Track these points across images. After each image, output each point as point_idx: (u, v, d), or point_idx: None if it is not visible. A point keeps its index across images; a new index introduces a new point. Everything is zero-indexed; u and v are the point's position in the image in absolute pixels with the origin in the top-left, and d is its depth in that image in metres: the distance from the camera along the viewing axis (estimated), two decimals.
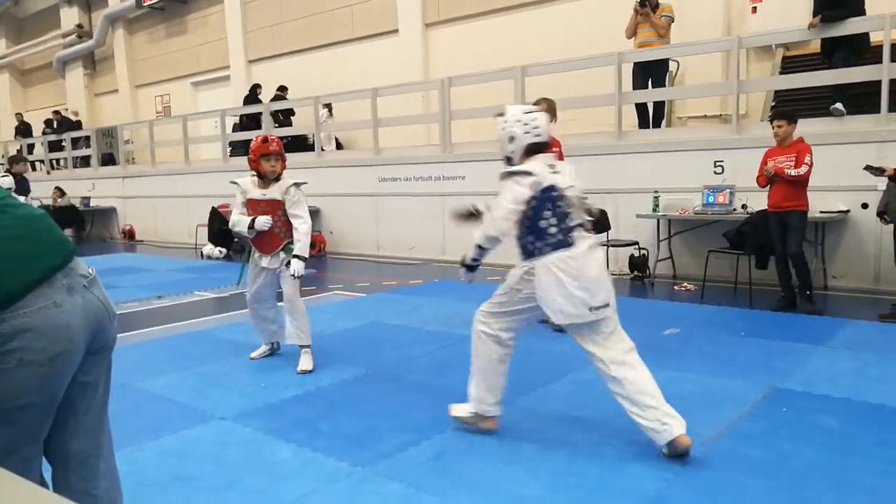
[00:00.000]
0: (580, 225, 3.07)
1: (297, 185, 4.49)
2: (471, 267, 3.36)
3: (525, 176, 3.02)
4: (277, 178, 4.50)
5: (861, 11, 6.67)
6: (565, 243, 2.99)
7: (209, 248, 11.02)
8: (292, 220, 4.49)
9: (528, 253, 3.06)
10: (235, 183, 4.61)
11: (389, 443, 3.21)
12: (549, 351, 4.71)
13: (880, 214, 5.50)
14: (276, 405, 3.82)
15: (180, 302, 7.20)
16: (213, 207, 11.43)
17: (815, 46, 7.44)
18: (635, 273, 7.56)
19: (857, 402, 3.58)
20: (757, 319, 5.51)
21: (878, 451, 2.98)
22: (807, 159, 5.57)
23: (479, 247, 3.22)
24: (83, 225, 15.13)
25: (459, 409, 3.35)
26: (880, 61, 6.37)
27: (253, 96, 13.16)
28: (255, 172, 4.49)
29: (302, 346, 4.58)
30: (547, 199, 3.01)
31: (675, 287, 7.03)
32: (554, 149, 4.13)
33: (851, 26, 6.65)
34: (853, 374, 4.03)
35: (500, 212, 3.06)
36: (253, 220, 4.43)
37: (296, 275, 4.39)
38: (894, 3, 6.63)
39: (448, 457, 3.06)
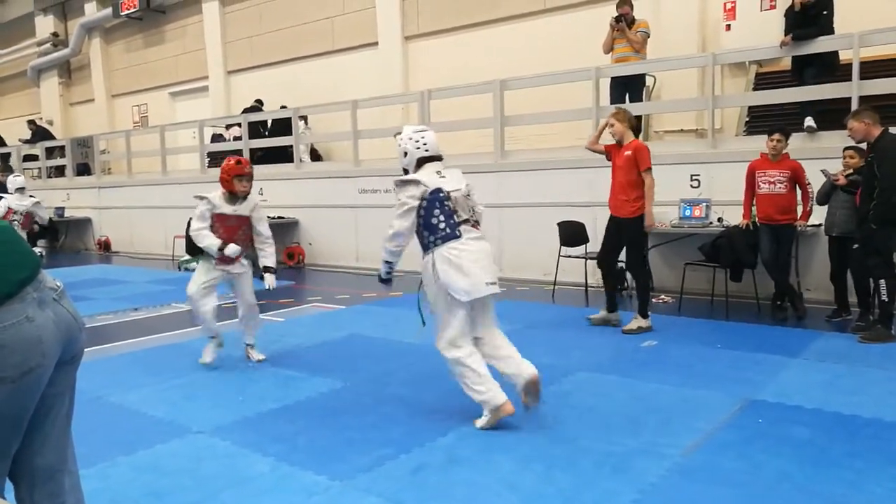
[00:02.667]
0: (466, 220, 3.62)
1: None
2: (386, 280, 3.95)
3: (413, 184, 3.60)
4: (246, 196, 4.79)
5: (830, 30, 6.84)
6: (453, 236, 3.54)
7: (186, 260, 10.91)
8: (259, 235, 4.85)
9: (425, 247, 3.62)
10: (204, 197, 4.78)
11: (368, 456, 3.20)
12: None
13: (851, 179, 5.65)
14: (254, 418, 3.79)
15: (156, 314, 7.12)
16: (190, 219, 11.33)
17: (788, 63, 7.60)
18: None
19: (829, 413, 3.64)
20: (733, 331, 5.58)
21: (849, 461, 3.03)
22: (807, 179, 5.84)
23: (386, 262, 3.85)
24: (57, 236, 14.90)
25: (481, 422, 3.53)
26: (850, 79, 6.53)
27: (253, 111, 12.85)
28: (225, 190, 4.74)
29: (249, 344, 5.02)
30: (435, 200, 3.56)
31: (653, 299, 7.09)
32: (626, 152, 5.48)
33: (821, 44, 6.81)
34: (825, 386, 4.10)
35: (391, 230, 3.68)
36: (224, 245, 4.68)
37: (270, 288, 4.74)
38: (862, 23, 6.81)
39: (426, 470, 3.05)
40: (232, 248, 4.69)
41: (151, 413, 3.91)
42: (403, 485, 2.91)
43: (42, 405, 1.82)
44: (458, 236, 3.55)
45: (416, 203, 3.57)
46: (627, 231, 5.62)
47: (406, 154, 3.74)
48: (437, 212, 3.55)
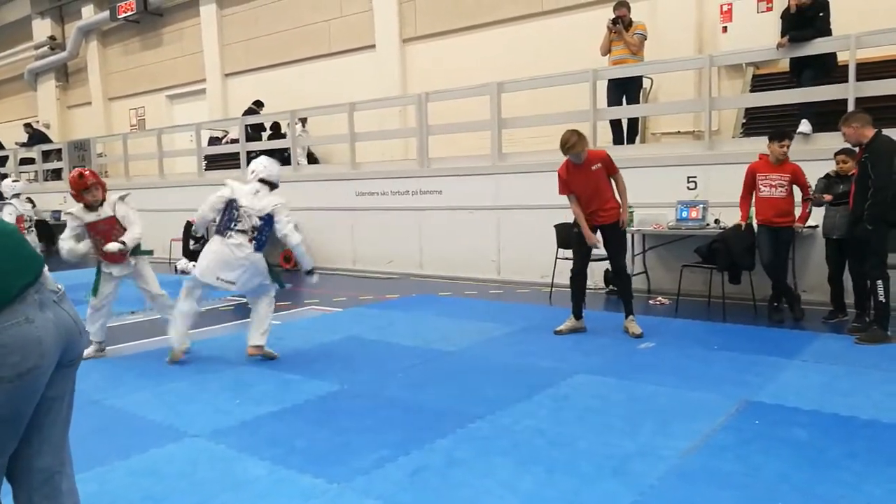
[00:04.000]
0: (243, 231, 4.92)
1: (121, 198, 5.34)
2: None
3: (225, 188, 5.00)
4: (103, 200, 5.18)
5: (827, 32, 6.85)
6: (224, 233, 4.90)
7: (184, 263, 10.85)
8: (127, 227, 5.27)
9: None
10: (70, 213, 5.22)
11: (366, 459, 3.19)
12: (525, 366, 4.73)
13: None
14: (251, 422, 3.77)
15: (153, 317, 7.09)
16: (188, 221, 11.30)
17: (785, 65, 7.62)
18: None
19: (827, 414, 3.64)
20: (730, 333, 5.58)
21: (847, 462, 3.03)
22: (808, 181, 5.87)
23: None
24: (53, 239, 14.84)
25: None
26: (847, 80, 6.54)
27: (251, 113, 12.83)
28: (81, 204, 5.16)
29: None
30: (232, 207, 4.93)
31: (650, 301, 7.10)
32: (594, 166, 5.55)
33: (818, 46, 6.83)
34: (823, 387, 4.10)
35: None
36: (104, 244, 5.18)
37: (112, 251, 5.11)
38: (860, 24, 6.83)
39: (425, 472, 3.04)
40: (111, 246, 5.08)
41: (148, 417, 3.90)
42: (402, 487, 2.91)
43: (41, 407, 1.82)
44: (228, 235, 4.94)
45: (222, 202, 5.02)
46: (617, 236, 5.63)
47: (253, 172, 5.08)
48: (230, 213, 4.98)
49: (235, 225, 4.91)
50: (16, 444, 1.79)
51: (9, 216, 8.69)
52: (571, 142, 5.49)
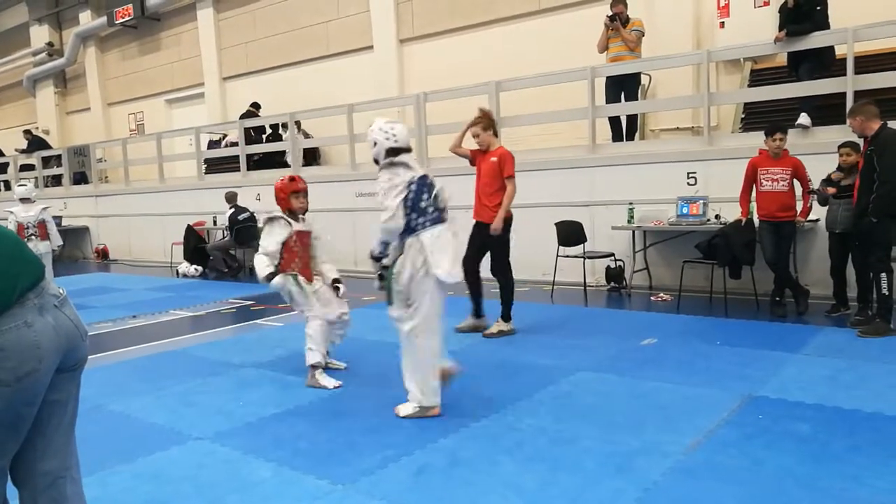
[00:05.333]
0: (444, 208, 3.79)
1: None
2: (378, 258, 3.86)
3: (403, 167, 3.73)
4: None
5: (825, 25, 6.85)
6: (440, 220, 3.72)
7: (185, 267, 10.90)
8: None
9: (411, 229, 3.67)
10: (277, 218, 4.70)
11: (370, 459, 3.20)
12: (526, 365, 4.73)
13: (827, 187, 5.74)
14: (255, 424, 3.78)
15: (155, 321, 7.11)
16: (188, 225, 11.33)
17: (783, 59, 7.61)
18: (612, 284, 7.63)
19: (830, 408, 3.64)
20: (732, 328, 5.58)
21: (851, 456, 3.03)
22: (808, 175, 5.86)
23: (383, 242, 3.80)
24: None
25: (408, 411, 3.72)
26: (845, 73, 6.54)
27: (249, 115, 12.80)
28: None
29: None
30: (423, 185, 3.71)
31: (652, 297, 7.10)
32: (492, 158, 5.48)
33: (815, 40, 6.82)
34: (826, 381, 4.10)
35: (387, 211, 3.68)
36: None
37: None
38: (857, 17, 6.82)
39: (429, 472, 3.05)
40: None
41: (151, 420, 3.91)
42: (406, 487, 2.91)
43: (43, 411, 1.83)
44: (444, 221, 3.73)
45: (406, 185, 3.68)
46: (492, 238, 5.53)
47: (375, 144, 3.82)
48: (425, 196, 3.69)
49: (440, 204, 3.80)
50: (17, 448, 1.80)
51: (11, 225, 8.63)
52: (475, 122, 5.61)
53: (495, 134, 5.68)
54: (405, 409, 3.75)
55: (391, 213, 3.67)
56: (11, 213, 8.50)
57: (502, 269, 5.68)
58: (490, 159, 5.53)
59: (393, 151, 3.77)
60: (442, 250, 3.66)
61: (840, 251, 5.73)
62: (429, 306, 3.69)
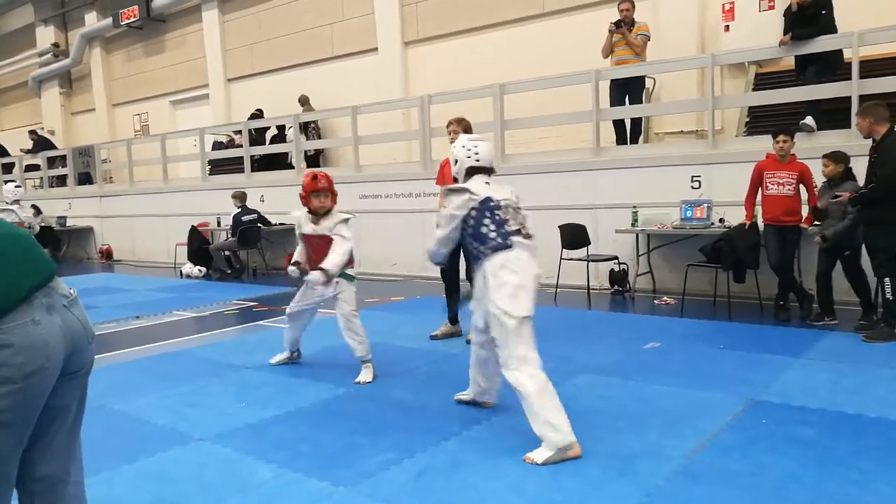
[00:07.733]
0: (517, 231, 3.43)
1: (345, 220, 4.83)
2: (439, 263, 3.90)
3: (460, 193, 3.49)
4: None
5: (831, 29, 6.83)
6: (504, 246, 3.36)
7: (188, 268, 10.92)
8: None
9: (475, 258, 3.46)
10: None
11: (371, 462, 3.19)
12: None
13: (823, 237, 5.50)
14: (257, 425, 3.78)
15: (159, 322, 7.12)
16: (192, 226, 11.34)
17: (788, 63, 7.60)
18: (615, 288, 7.62)
19: (834, 412, 3.62)
20: (736, 332, 5.57)
21: (855, 460, 3.02)
22: (815, 182, 5.80)
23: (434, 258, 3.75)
24: (59, 245, 14.91)
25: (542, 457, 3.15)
26: (851, 77, 6.52)
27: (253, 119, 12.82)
28: None
29: None
30: (485, 210, 3.43)
31: (655, 301, 7.08)
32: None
33: (821, 44, 6.81)
34: (830, 386, 4.08)
35: (435, 238, 3.61)
36: None
37: None
38: (863, 21, 6.81)
39: (430, 475, 3.04)
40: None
41: (154, 421, 3.91)
42: (407, 490, 2.90)
43: (45, 416, 1.81)
44: (510, 246, 3.36)
45: (463, 213, 3.46)
46: None
47: (457, 162, 3.65)
48: (486, 221, 3.41)
49: (508, 228, 3.45)
50: (21, 451, 1.78)
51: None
52: (450, 127, 5.58)
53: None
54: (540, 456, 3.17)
55: (437, 239, 3.60)
56: (11, 210, 8.54)
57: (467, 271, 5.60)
58: (444, 168, 5.50)
59: (474, 171, 3.58)
60: (499, 287, 3.29)
61: (827, 258, 5.57)
62: (503, 340, 3.31)
